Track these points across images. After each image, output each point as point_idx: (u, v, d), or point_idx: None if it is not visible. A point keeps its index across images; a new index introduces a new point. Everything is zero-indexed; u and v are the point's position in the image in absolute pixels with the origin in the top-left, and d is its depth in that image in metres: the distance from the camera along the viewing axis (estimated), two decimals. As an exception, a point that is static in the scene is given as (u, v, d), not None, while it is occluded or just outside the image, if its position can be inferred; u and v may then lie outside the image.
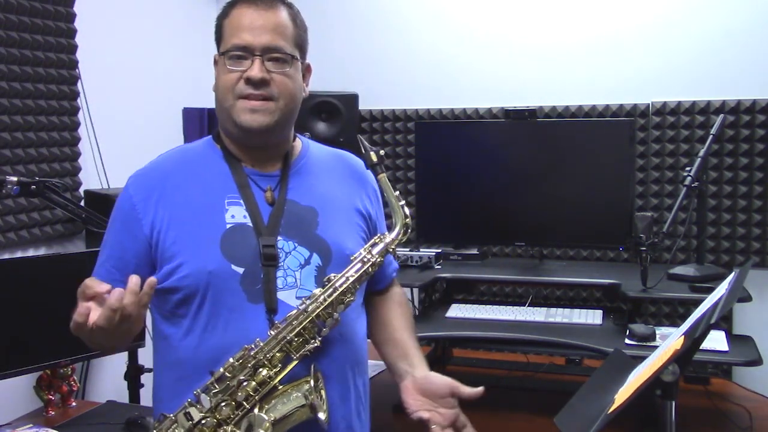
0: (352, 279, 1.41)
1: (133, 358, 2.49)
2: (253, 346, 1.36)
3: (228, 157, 1.52)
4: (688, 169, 2.46)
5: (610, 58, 2.97)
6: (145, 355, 2.54)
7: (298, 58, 1.50)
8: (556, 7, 3.03)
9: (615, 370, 1.45)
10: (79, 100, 2.65)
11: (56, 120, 2.56)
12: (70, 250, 2.55)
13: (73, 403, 2.35)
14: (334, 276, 1.41)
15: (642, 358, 1.45)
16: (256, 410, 1.35)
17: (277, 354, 1.36)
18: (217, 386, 1.34)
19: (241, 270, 1.42)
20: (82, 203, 2.51)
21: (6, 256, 2.35)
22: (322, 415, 1.35)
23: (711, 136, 2.52)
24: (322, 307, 1.38)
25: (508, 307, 2.61)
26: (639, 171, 2.90)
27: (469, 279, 2.73)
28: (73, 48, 2.61)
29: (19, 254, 2.42)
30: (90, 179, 2.71)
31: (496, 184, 2.76)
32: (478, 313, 2.53)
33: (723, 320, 2.63)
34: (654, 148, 2.91)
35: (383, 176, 1.46)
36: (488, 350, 3.06)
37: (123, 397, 2.50)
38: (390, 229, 1.47)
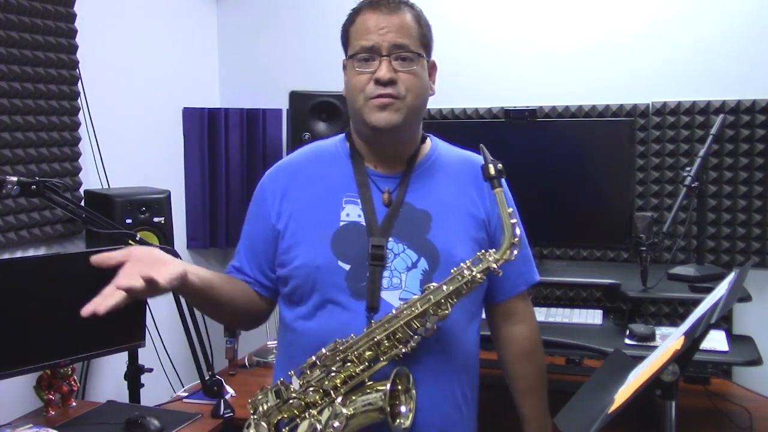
0: (447, 292, 1.40)
1: (133, 358, 2.49)
2: (344, 340, 1.41)
3: (354, 155, 1.58)
4: (688, 169, 2.46)
5: (610, 58, 2.96)
6: (146, 355, 2.54)
7: (424, 56, 1.55)
8: (556, 8, 3.02)
9: (615, 370, 1.45)
10: (79, 100, 2.65)
11: (56, 120, 2.56)
12: (70, 250, 2.55)
13: (73, 403, 2.35)
14: (434, 286, 1.42)
15: (642, 358, 1.45)
16: (338, 401, 1.38)
17: (367, 353, 1.39)
18: (309, 372, 1.41)
19: (347, 267, 1.48)
20: (82, 203, 2.51)
21: (6, 256, 2.35)
22: (401, 421, 1.37)
23: (711, 136, 2.52)
24: (413, 315, 1.39)
25: (508, 307, 2.61)
26: (639, 171, 2.90)
27: (469, 279, 2.73)
28: (74, 48, 2.61)
29: (19, 254, 2.42)
30: (90, 179, 2.71)
31: (496, 184, 2.76)
32: (478, 313, 2.53)
33: (723, 320, 2.63)
34: (654, 148, 2.91)
35: (500, 190, 1.44)
36: (488, 350, 3.05)
37: (123, 397, 2.50)
38: (498, 246, 1.44)
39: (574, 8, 3.00)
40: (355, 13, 1.55)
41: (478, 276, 1.41)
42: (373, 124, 1.49)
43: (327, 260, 1.48)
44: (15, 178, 1.91)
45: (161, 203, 2.51)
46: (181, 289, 1.41)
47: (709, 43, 2.84)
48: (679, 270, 2.51)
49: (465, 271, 1.41)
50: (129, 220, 2.40)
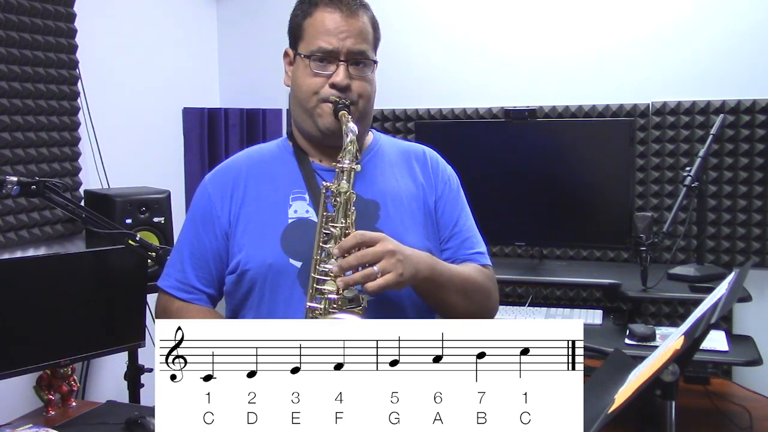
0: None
1: (133, 358, 2.48)
2: None
3: (297, 152, 1.58)
4: (688, 169, 2.46)
5: (610, 59, 2.96)
6: (146, 355, 2.54)
7: (377, 62, 1.54)
8: (557, 9, 3.02)
9: (615, 370, 1.45)
10: (79, 100, 2.65)
11: (56, 120, 2.56)
12: (70, 250, 2.55)
13: (73, 403, 2.34)
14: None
15: (642, 358, 1.45)
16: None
17: None
18: None
19: (299, 264, 1.47)
20: (82, 203, 2.51)
21: (6, 256, 2.35)
22: None
23: (711, 136, 2.52)
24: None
25: (508, 307, 2.61)
26: (639, 171, 2.90)
27: (469, 279, 2.73)
28: (73, 48, 2.61)
29: (19, 254, 2.42)
30: (90, 179, 2.71)
31: (496, 184, 2.76)
32: (478, 313, 2.53)
33: (723, 320, 2.63)
34: (654, 148, 2.91)
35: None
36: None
37: (123, 397, 2.50)
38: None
39: (575, 9, 3.00)
40: (311, 6, 1.52)
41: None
42: (325, 128, 1.49)
43: (277, 258, 1.47)
44: (15, 178, 1.91)
45: (161, 203, 2.51)
46: None
47: (709, 43, 2.84)
48: (679, 270, 2.51)
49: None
50: (129, 220, 2.40)
